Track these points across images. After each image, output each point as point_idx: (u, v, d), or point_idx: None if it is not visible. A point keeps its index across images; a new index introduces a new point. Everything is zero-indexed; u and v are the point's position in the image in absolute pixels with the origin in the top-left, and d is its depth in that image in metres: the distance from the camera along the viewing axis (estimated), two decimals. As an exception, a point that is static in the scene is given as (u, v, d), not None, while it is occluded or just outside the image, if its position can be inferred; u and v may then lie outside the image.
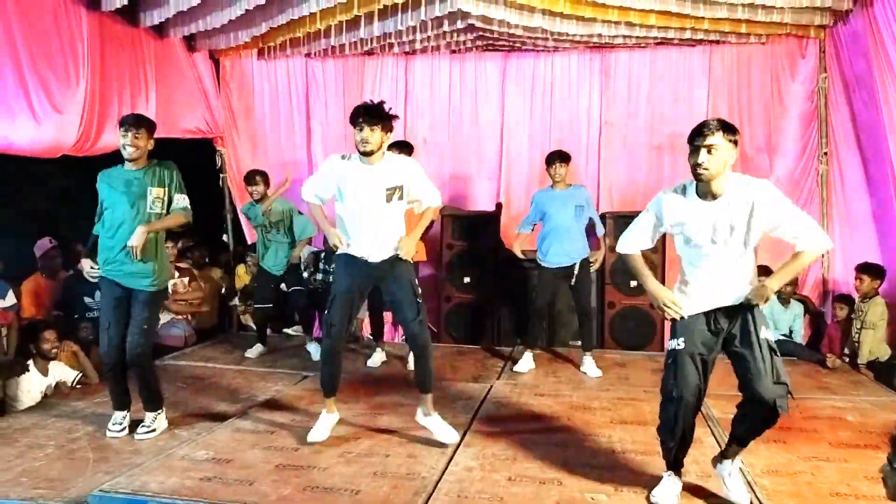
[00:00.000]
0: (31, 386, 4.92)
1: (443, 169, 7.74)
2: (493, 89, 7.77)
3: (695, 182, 3.14)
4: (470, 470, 3.67)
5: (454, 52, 7.71)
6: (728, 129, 3.03)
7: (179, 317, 6.69)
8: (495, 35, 6.87)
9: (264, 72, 8.11)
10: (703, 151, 3.00)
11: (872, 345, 5.91)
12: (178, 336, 6.61)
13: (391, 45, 7.39)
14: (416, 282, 4.11)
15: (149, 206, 4.05)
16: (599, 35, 6.68)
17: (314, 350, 6.06)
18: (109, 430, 4.13)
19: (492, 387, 5.25)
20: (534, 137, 7.69)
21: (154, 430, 4.16)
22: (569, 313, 6.86)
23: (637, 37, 6.85)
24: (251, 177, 6.13)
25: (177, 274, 6.67)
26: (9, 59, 5.14)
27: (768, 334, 3.17)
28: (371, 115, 3.82)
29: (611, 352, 6.48)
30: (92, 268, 4.16)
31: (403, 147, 5.58)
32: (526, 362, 5.80)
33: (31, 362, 4.95)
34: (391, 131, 3.97)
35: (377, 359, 5.98)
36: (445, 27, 6.53)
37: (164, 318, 6.49)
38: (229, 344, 6.66)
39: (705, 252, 3.18)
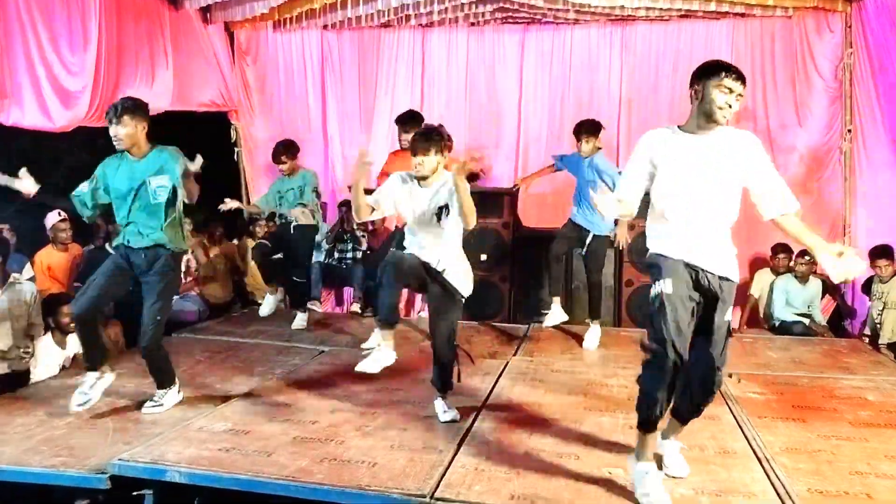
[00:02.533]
0: (49, 359, 4.96)
1: (459, 144, 7.66)
2: (512, 63, 7.68)
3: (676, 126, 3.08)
4: (486, 444, 3.66)
5: (472, 24, 7.61)
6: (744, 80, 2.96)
7: (192, 292, 6.69)
8: (515, 6, 6.78)
9: (279, 44, 8.07)
10: (734, 97, 2.91)
11: (894, 325, 5.84)
12: (192, 311, 6.62)
13: (408, 17, 7.31)
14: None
15: (151, 196, 3.93)
16: (622, 7, 6.58)
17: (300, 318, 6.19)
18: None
19: (508, 363, 5.23)
20: (553, 112, 7.61)
21: (162, 405, 4.09)
22: (584, 291, 6.83)
23: (660, 9, 6.73)
24: (276, 155, 5.96)
25: (190, 251, 6.65)
26: (19, 30, 5.13)
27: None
28: (424, 140, 3.78)
29: (628, 329, 6.43)
30: None
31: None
32: (554, 315, 5.70)
33: (49, 335, 4.99)
34: (446, 150, 3.92)
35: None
36: (463, -2, 6.45)
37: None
38: (245, 318, 6.66)
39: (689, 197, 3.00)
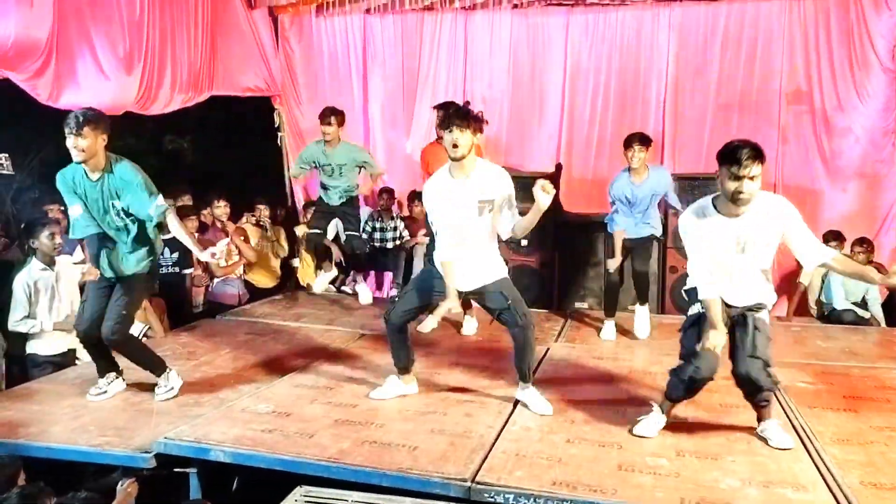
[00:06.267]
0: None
1: (501, 128, 7.61)
2: (556, 45, 7.54)
3: (712, 200, 3.34)
4: (528, 430, 3.64)
5: (515, 6, 7.51)
6: (762, 156, 3.15)
7: (234, 276, 6.74)
8: (559, -13, 6.65)
9: (323, 29, 8.08)
10: (746, 181, 3.12)
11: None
12: (233, 294, 6.68)
13: (451, 0, 7.24)
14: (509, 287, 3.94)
15: (114, 220, 3.92)
16: (669, -13, 6.40)
17: (363, 291, 6.24)
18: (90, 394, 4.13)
19: (549, 349, 5.18)
20: (597, 95, 7.47)
21: (173, 388, 4.13)
22: (629, 278, 6.73)
23: (709, -12, 6.54)
24: (325, 115, 5.91)
25: (227, 238, 6.65)
26: (73, 15, 5.20)
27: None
28: (460, 116, 3.66)
29: (671, 317, 6.30)
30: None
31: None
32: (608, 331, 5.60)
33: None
34: (480, 132, 3.80)
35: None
36: (507, -21, 6.37)
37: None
38: (287, 301, 6.72)
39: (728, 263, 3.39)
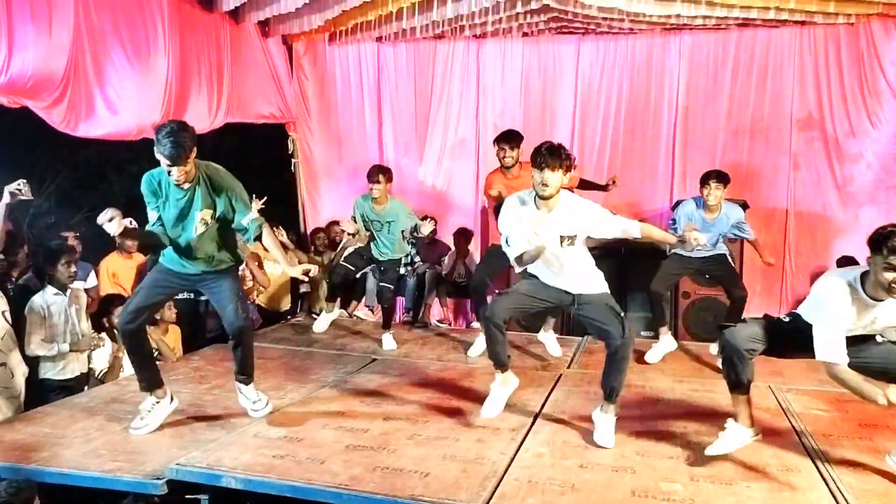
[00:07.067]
0: (106, 356, 5.10)
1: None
2: (567, 73, 7.61)
3: (861, 279, 3.15)
4: (540, 456, 3.62)
5: (526, 34, 7.57)
6: None
7: (247, 301, 6.75)
8: (569, 16, 6.71)
9: (336, 57, 8.17)
10: None
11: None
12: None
13: (462, 28, 7.31)
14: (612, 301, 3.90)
15: (195, 228, 3.75)
16: (678, 16, 6.44)
17: (387, 341, 6.03)
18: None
19: (561, 375, 5.17)
20: (608, 122, 7.52)
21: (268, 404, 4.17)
22: (641, 305, 6.71)
23: (718, 17, 6.59)
24: (372, 174, 5.88)
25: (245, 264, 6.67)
26: (88, 43, 5.28)
27: None
28: (553, 156, 3.60)
29: (685, 343, 6.28)
30: None
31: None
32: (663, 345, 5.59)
33: (104, 335, 5.12)
34: (570, 171, 3.74)
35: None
36: (518, 8, 6.43)
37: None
38: (299, 327, 6.74)
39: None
